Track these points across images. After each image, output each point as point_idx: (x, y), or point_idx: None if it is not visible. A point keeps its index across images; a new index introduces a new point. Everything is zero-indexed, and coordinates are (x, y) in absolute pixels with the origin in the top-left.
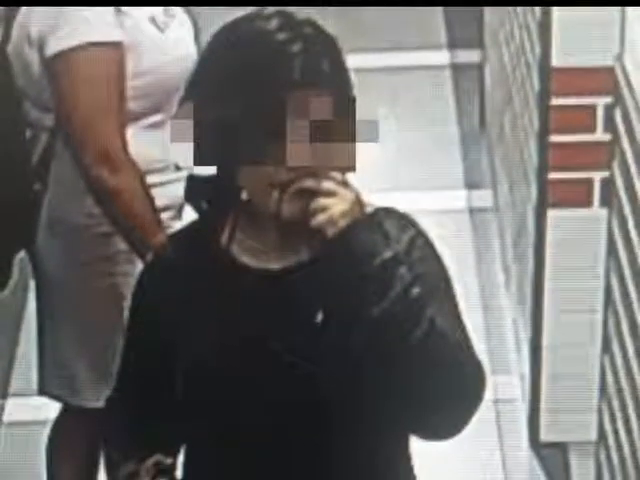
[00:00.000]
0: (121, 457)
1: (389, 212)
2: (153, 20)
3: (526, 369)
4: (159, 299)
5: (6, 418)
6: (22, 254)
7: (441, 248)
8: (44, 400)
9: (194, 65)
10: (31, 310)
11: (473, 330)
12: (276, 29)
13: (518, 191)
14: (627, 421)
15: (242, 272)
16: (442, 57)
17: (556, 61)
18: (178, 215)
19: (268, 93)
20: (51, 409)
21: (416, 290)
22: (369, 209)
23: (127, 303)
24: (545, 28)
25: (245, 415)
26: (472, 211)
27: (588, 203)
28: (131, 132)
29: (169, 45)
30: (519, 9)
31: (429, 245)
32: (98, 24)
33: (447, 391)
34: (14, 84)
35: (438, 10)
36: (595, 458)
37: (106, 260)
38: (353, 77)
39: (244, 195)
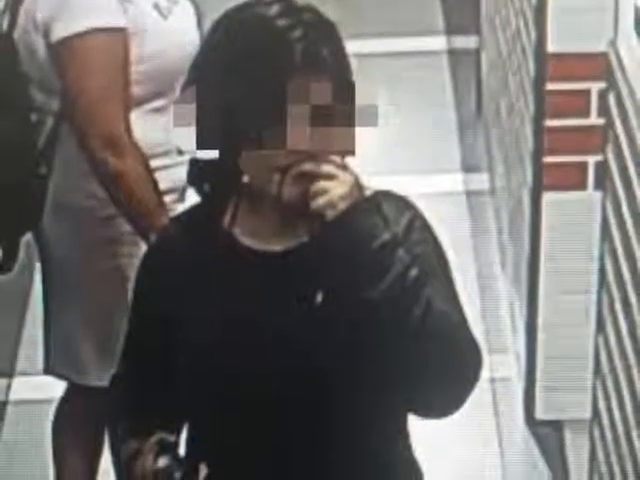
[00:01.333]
0: (125, 435)
1: (388, 195)
2: (156, 6)
3: (522, 348)
4: (162, 280)
5: (13, 397)
6: (28, 236)
7: (438, 230)
8: (50, 379)
9: (196, 50)
10: (37, 291)
11: (470, 310)
12: (277, 15)
13: (514, 174)
14: (620, 399)
15: (244, 253)
16: (440, 43)
17: (551, 47)
18: (181, 198)
19: (269, 78)
20: (57, 388)
21: (414, 271)
22: (368, 192)
23: (131, 284)
24: (540, 14)
25: (246, 391)
26: (469, 194)
27: (582, 186)
28: (135, 116)
29: (172, 31)
30: None
31: (427, 227)
32: (102, 10)
33: (444, 369)
34: (20, 69)
35: None
36: (589, 436)
37: (110, 242)
38: (352, 62)
39: (246, 178)
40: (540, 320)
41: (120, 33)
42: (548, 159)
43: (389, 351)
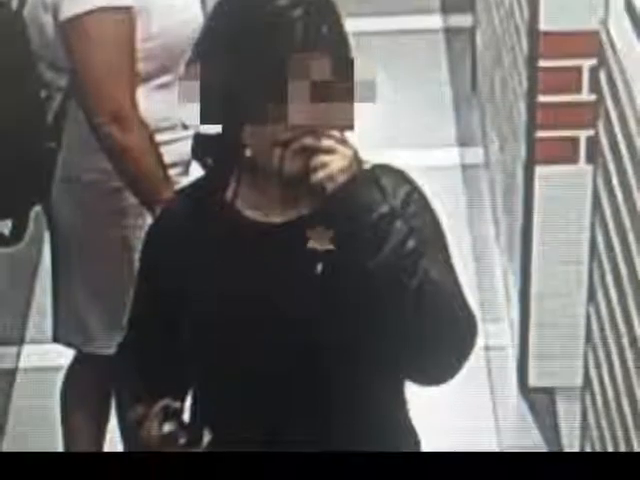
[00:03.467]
0: (131, 401)
1: (386, 168)
2: None
3: (515, 317)
4: (167, 251)
5: (22, 364)
6: (37, 209)
7: (435, 203)
8: (58, 347)
9: (200, 28)
10: (46, 261)
11: (465, 280)
12: None
13: (508, 148)
14: (611, 367)
15: (246, 225)
16: (435, 21)
17: (544, 25)
18: (185, 171)
19: (270, 55)
20: (65, 356)
21: (411, 242)
22: (367, 166)
23: (137, 255)
24: None
25: (247, 358)
26: (464, 167)
27: (574, 160)
28: (141, 92)
29: (177, 9)
30: None
31: (424, 200)
32: None
33: (440, 338)
34: (30, 47)
35: None
36: (581, 402)
37: (117, 213)
38: (351, 40)
39: (248, 152)
40: (533, 290)
41: (126, 12)
42: (541, 134)
43: (387, 321)
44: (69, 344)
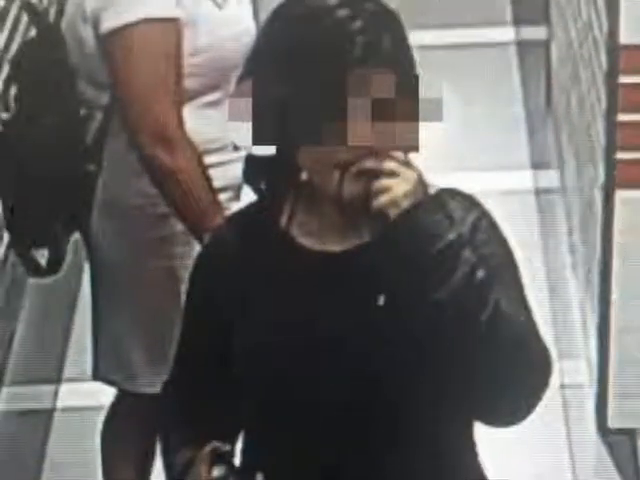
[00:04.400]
0: (178, 444)
1: (453, 193)
2: None
3: (593, 354)
4: (217, 281)
5: (60, 404)
6: (76, 236)
7: (506, 230)
8: (99, 385)
9: (253, 42)
10: (85, 293)
11: (540, 314)
12: (337, 5)
13: (585, 171)
14: None
15: (302, 254)
16: (507, 34)
17: (624, 38)
18: (236, 196)
19: (329, 71)
20: (106, 395)
21: (481, 273)
22: (432, 190)
23: (184, 286)
24: (613, 4)
25: (303, 397)
26: (538, 192)
27: None
28: (188, 111)
29: (227, 22)
30: None
31: (494, 227)
32: (155, 0)
33: (513, 376)
34: (68, 61)
35: None
36: None
37: (162, 242)
38: (416, 54)
39: (304, 175)
40: (612, 324)
41: (173, 24)
42: (621, 155)
43: (454, 356)
44: (110, 382)
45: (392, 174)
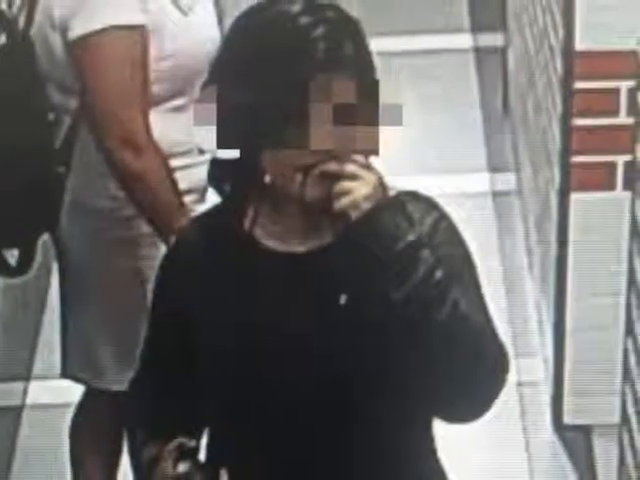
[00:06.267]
0: (144, 440)
1: (412, 195)
2: (176, 3)
3: (549, 352)
4: (182, 282)
5: (29, 401)
6: (45, 237)
7: (464, 231)
8: (67, 383)
9: (217, 48)
10: (54, 293)
11: (496, 313)
12: (299, 13)
13: (541, 174)
14: None
15: (265, 255)
16: (465, 40)
17: (579, 44)
18: (201, 198)
19: (291, 77)
20: (74, 392)
21: (439, 273)
22: (392, 192)
23: (150, 286)
24: (568, 11)
25: (267, 394)
26: (495, 194)
27: (611, 186)
28: (154, 115)
29: (192, 28)
30: None
31: (452, 228)
32: (121, 7)
33: (470, 373)
34: (37, 68)
35: None
36: (618, 441)
37: (129, 243)
38: (376, 60)
39: (267, 178)
40: (568, 323)
41: (139, 30)
42: (576, 159)
43: (414, 355)
44: (78, 379)
45: (353, 177)
